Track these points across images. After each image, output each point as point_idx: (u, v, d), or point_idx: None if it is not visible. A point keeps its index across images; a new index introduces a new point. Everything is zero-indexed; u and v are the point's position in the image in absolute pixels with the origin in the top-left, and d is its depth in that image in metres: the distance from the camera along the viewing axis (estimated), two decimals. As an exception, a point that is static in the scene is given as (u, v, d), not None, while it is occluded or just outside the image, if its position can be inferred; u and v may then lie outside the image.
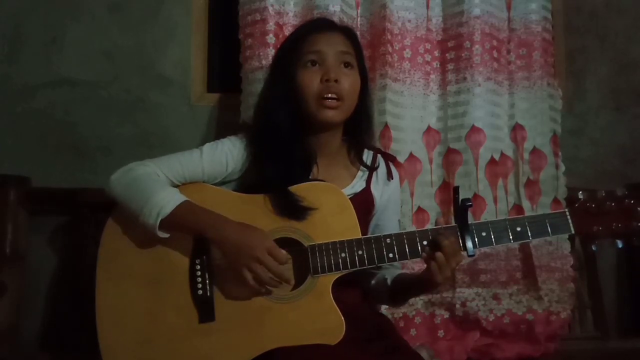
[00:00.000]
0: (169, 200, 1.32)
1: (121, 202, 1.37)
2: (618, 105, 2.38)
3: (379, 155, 1.57)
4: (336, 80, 1.41)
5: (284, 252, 1.32)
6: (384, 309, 1.71)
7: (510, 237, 1.34)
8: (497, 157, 2.02)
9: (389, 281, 1.49)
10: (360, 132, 1.53)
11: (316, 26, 1.52)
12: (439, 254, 1.29)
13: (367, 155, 1.55)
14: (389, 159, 1.59)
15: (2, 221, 1.97)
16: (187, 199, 1.34)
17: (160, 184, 1.36)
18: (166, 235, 1.33)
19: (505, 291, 1.99)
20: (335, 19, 1.91)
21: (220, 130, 2.17)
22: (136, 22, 2.20)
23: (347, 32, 1.51)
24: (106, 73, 2.17)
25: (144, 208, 1.31)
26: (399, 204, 1.68)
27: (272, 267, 1.29)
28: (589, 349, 2.03)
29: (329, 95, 1.40)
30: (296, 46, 1.46)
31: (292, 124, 1.43)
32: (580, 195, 1.35)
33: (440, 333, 1.96)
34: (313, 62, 1.43)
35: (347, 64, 1.45)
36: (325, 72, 1.41)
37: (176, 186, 1.40)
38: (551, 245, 2.02)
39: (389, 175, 1.56)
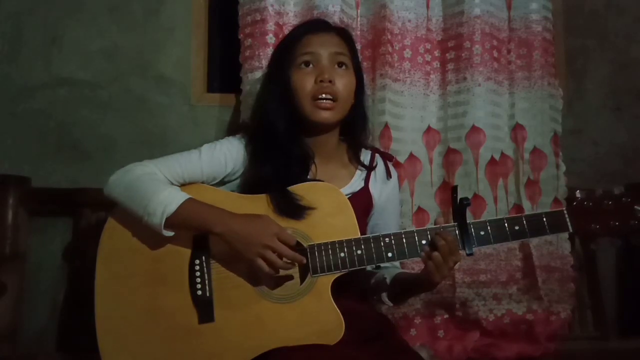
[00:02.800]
0: (172, 198, 1.31)
1: (122, 204, 1.36)
2: (618, 105, 2.38)
3: (377, 155, 1.58)
4: (330, 81, 1.41)
5: (290, 233, 1.32)
6: (384, 308, 1.71)
7: (509, 236, 1.35)
8: (497, 157, 2.02)
9: (388, 280, 1.49)
10: (357, 131, 1.53)
11: (310, 27, 1.52)
12: (435, 254, 1.29)
13: (365, 155, 1.56)
14: (387, 158, 1.60)
15: (2, 221, 1.97)
16: (190, 196, 1.33)
17: (161, 183, 1.36)
18: (171, 234, 1.33)
19: (505, 291, 1.98)
20: (336, 19, 1.91)
21: (220, 130, 2.17)
22: (136, 22, 2.20)
23: (342, 33, 1.52)
24: (106, 73, 2.17)
25: (148, 207, 1.30)
26: (399, 203, 1.68)
27: (284, 251, 1.29)
28: (589, 349, 2.02)
29: (323, 96, 1.41)
30: (290, 47, 1.47)
31: (288, 125, 1.44)
32: (578, 194, 1.36)
33: (440, 333, 1.96)
34: (307, 63, 1.44)
35: (341, 64, 1.46)
36: (319, 73, 1.42)
37: (175, 188, 1.40)
38: (551, 245, 2.02)
39: (388, 174, 1.56)
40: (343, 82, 1.44)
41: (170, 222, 1.31)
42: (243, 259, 1.31)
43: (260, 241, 1.28)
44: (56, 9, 2.17)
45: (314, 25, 1.55)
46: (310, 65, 1.44)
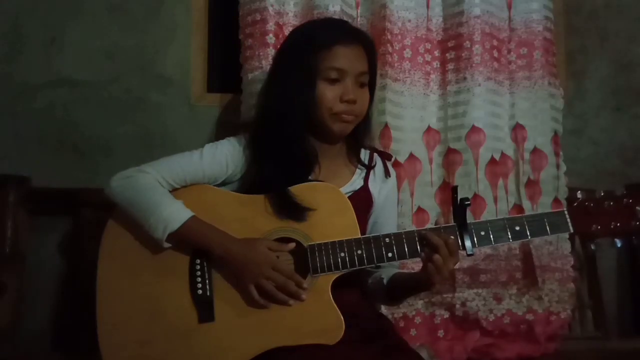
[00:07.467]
0: (175, 216, 1.32)
1: (125, 211, 1.37)
2: (618, 105, 2.38)
3: (375, 154, 1.58)
4: (354, 102, 1.43)
5: (287, 265, 1.34)
6: (383, 308, 1.71)
7: (509, 236, 1.34)
8: (497, 157, 2.02)
9: (385, 281, 1.48)
10: (362, 133, 1.54)
11: (341, 36, 1.45)
12: (436, 257, 1.29)
13: (364, 154, 1.57)
14: (386, 157, 1.61)
15: (2, 221, 1.97)
16: (193, 214, 1.34)
17: (163, 195, 1.36)
18: (170, 245, 1.35)
19: (505, 291, 1.98)
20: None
21: (220, 130, 2.17)
22: (136, 22, 2.20)
23: (367, 46, 1.49)
24: (106, 73, 2.17)
25: (150, 220, 1.32)
26: (397, 201, 1.68)
27: (280, 281, 1.31)
28: (589, 349, 2.02)
29: (346, 116, 1.44)
30: (319, 55, 1.42)
31: (298, 125, 1.43)
32: (579, 194, 1.36)
33: (440, 333, 1.96)
34: (334, 80, 1.43)
35: (363, 85, 1.47)
36: (344, 92, 1.42)
37: (177, 189, 1.41)
38: (551, 245, 2.01)
39: (386, 173, 1.57)
40: (363, 101, 1.46)
41: (171, 237, 1.33)
42: (239, 282, 1.33)
43: (258, 270, 1.31)
44: (56, 9, 2.17)
45: (345, 35, 1.47)
46: (336, 82, 1.43)
